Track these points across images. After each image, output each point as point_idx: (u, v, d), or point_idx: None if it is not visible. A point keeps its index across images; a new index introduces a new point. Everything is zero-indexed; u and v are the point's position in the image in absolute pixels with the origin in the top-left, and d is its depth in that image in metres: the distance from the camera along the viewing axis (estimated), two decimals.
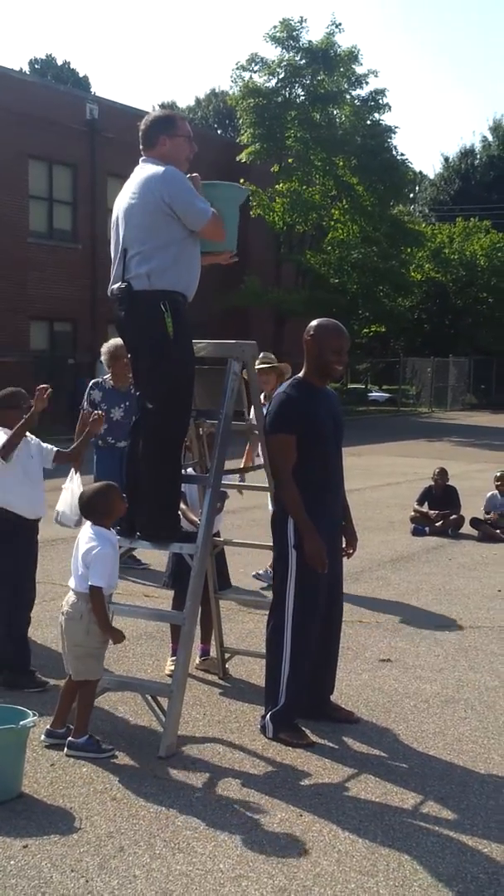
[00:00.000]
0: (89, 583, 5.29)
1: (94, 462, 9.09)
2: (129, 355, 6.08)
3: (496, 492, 12.76)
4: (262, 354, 9.74)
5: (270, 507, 9.62)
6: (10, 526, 6.25)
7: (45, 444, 6.48)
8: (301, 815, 4.66)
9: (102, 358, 9.36)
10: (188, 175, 5.54)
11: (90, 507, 5.50)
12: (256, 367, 9.28)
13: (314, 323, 5.72)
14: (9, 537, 6.25)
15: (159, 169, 5.40)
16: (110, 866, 4.14)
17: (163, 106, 64.14)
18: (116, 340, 9.24)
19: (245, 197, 6.06)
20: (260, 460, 6.59)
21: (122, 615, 6.76)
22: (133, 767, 5.15)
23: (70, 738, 5.31)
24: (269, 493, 6.32)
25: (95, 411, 6.80)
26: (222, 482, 5.95)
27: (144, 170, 5.48)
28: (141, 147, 5.60)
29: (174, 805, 4.72)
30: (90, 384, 9.42)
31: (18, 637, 6.34)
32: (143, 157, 5.59)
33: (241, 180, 26.93)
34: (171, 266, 5.38)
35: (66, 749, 5.29)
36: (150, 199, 5.36)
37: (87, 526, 5.49)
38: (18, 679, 6.22)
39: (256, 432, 6.28)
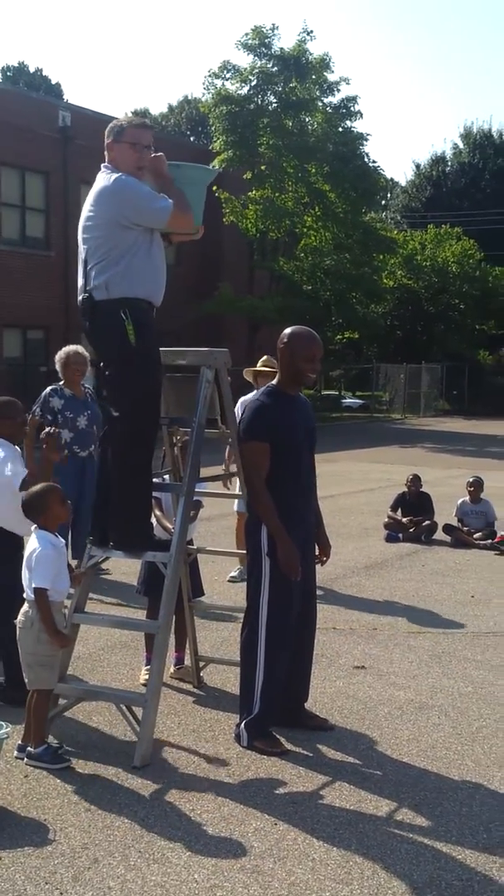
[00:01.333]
0: (32, 585, 5.27)
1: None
2: (89, 363, 6.07)
3: (466, 498, 12.81)
4: (265, 358, 9.79)
5: (235, 508, 9.70)
6: (12, 546, 6.21)
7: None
8: (276, 824, 4.65)
9: (57, 366, 9.25)
10: (153, 155, 5.55)
11: (27, 506, 5.51)
12: (259, 368, 9.34)
13: (288, 331, 5.72)
14: (10, 557, 6.19)
15: (110, 179, 5.42)
16: (85, 878, 4.13)
17: (135, 113, 64.14)
18: (70, 347, 9.21)
19: (213, 177, 6.02)
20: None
21: (95, 624, 6.77)
22: (107, 778, 5.13)
23: (28, 748, 5.29)
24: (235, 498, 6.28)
25: (48, 429, 6.52)
26: (196, 490, 5.94)
27: (98, 180, 5.52)
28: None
29: (149, 815, 4.71)
30: (48, 391, 9.17)
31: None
32: (103, 164, 5.62)
33: (214, 187, 26.91)
34: (128, 274, 5.39)
35: (25, 759, 5.28)
36: (102, 211, 5.41)
37: (32, 533, 5.47)
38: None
39: (230, 440, 6.27)
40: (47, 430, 6.40)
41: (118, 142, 5.54)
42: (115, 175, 5.44)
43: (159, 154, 5.59)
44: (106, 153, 5.59)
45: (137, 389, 5.48)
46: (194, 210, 5.69)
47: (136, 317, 5.38)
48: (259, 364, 9.58)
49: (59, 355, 9.22)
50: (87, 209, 5.51)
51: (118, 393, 5.57)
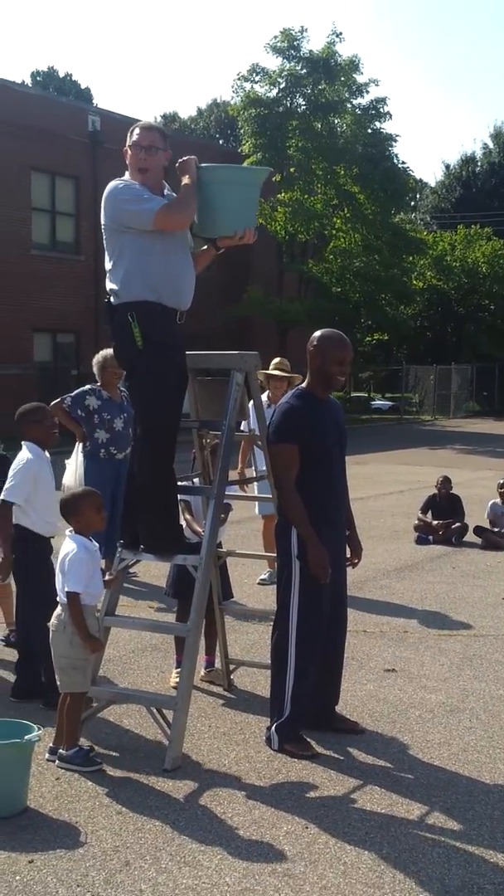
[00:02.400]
0: (65, 589, 5.29)
1: (85, 471, 9.00)
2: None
3: (498, 500, 12.74)
4: (278, 360, 9.75)
5: (258, 511, 9.69)
6: (45, 549, 6.27)
7: None
8: (307, 828, 4.65)
9: (94, 369, 9.30)
10: (184, 158, 5.56)
11: (61, 507, 5.55)
12: (271, 371, 9.33)
13: (317, 334, 5.72)
14: (44, 559, 6.24)
15: (108, 187, 5.50)
16: (116, 881, 4.14)
17: (164, 117, 64.35)
18: (108, 350, 9.23)
19: (263, 177, 5.90)
20: (261, 465, 6.59)
21: (125, 627, 6.78)
22: (138, 781, 5.15)
23: (60, 750, 5.31)
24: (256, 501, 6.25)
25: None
26: (226, 493, 5.95)
27: None
28: None
29: (180, 818, 4.71)
30: (86, 388, 9.19)
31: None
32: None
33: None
34: (130, 278, 5.42)
35: (56, 761, 5.30)
36: (104, 218, 5.50)
37: (66, 536, 5.50)
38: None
39: (259, 443, 6.27)
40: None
41: (126, 147, 5.58)
42: (113, 181, 5.53)
43: (191, 157, 5.60)
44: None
45: (149, 392, 5.50)
46: (236, 212, 5.65)
47: (143, 320, 5.40)
48: (271, 366, 9.56)
49: (97, 358, 9.27)
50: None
51: (137, 398, 5.65)
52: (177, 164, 5.57)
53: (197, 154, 5.74)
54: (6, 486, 6.17)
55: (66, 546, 5.42)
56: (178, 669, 6.60)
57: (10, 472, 6.22)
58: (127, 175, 5.58)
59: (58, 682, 5.42)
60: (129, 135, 5.54)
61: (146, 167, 5.51)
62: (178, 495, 5.95)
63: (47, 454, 6.37)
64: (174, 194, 5.54)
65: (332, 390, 5.83)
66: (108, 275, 5.56)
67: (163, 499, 5.64)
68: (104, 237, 5.56)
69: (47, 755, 5.37)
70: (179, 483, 5.85)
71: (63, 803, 4.86)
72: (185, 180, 5.51)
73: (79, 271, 30.32)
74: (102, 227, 5.54)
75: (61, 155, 29.27)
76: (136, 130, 5.54)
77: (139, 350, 5.41)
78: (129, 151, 5.54)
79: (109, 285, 5.52)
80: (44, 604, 5.81)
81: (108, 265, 5.55)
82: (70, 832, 4.57)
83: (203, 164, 5.63)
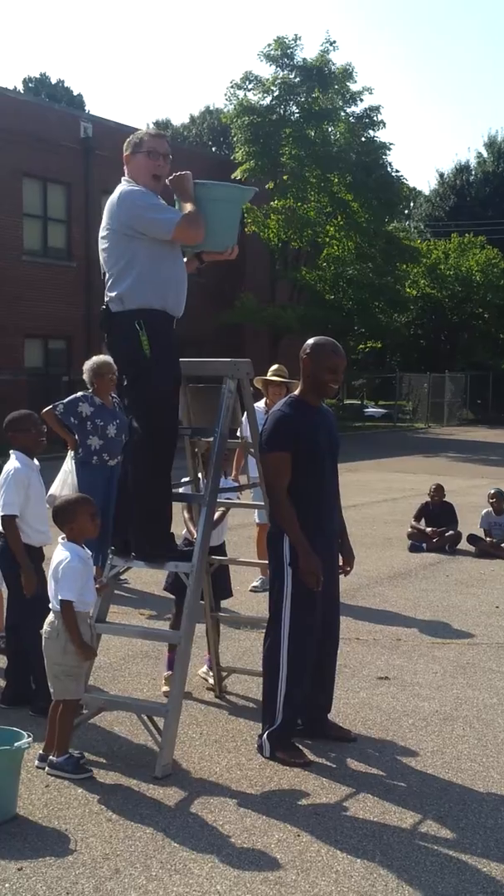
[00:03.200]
0: (59, 597, 5.27)
1: (78, 478, 8.98)
2: (114, 373, 6.09)
3: (490, 509, 12.71)
4: (276, 366, 9.74)
5: (256, 519, 9.68)
6: (36, 559, 6.26)
7: None
8: (298, 835, 4.63)
9: (85, 376, 9.26)
10: (178, 173, 5.57)
11: (55, 514, 5.53)
12: (269, 378, 9.32)
13: (311, 341, 5.71)
14: (37, 567, 6.24)
15: (117, 191, 5.47)
16: (106, 888, 4.11)
17: (157, 124, 64.39)
18: (100, 357, 9.22)
19: (248, 196, 6.01)
20: (254, 472, 6.58)
21: (117, 634, 6.76)
22: (129, 788, 5.12)
23: (50, 757, 5.28)
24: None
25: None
26: (219, 501, 5.93)
27: (114, 192, 5.55)
28: None
29: (170, 826, 4.69)
30: (78, 395, 9.19)
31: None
32: (122, 177, 5.64)
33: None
34: (140, 285, 5.39)
35: (46, 768, 5.27)
36: (112, 223, 5.44)
37: (59, 544, 5.47)
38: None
39: (252, 450, 6.25)
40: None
41: (135, 153, 5.55)
42: (122, 186, 5.48)
43: (186, 172, 5.60)
44: (125, 167, 5.61)
45: (153, 400, 5.48)
46: (226, 229, 5.72)
47: (150, 328, 5.38)
48: (269, 373, 9.55)
49: (89, 364, 9.24)
50: (103, 222, 5.56)
51: (135, 404, 5.58)
52: (170, 179, 5.58)
53: (190, 161, 5.76)
54: (1, 501, 6.14)
55: (59, 554, 5.40)
56: (170, 671, 6.61)
57: (0, 483, 6.19)
58: (125, 180, 5.54)
59: (51, 690, 5.39)
60: (136, 142, 5.54)
61: (161, 174, 5.55)
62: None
63: (36, 462, 6.35)
64: (163, 202, 5.54)
65: (325, 398, 5.82)
66: (109, 280, 5.49)
67: (157, 506, 5.62)
68: (108, 241, 5.48)
69: (37, 762, 5.34)
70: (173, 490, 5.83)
71: (53, 811, 4.83)
72: (185, 199, 5.54)
73: (70, 278, 30.29)
74: (108, 230, 5.47)
75: (53, 161, 29.25)
76: (150, 138, 5.57)
77: (146, 358, 5.38)
78: (142, 158, 5.52)
79: (113, 291, 5.44)
80: (35, 611, 5.78)
81: (110, 269, 5.48)
82: (60, 840, 4.54)
83: (199, 181, 5.66)
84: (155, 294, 5.43)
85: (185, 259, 5.77)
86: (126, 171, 5.61)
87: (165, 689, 6.45)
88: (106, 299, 5.50)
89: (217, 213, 5.62)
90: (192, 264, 5.88)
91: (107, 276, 5.51)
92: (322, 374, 5.60)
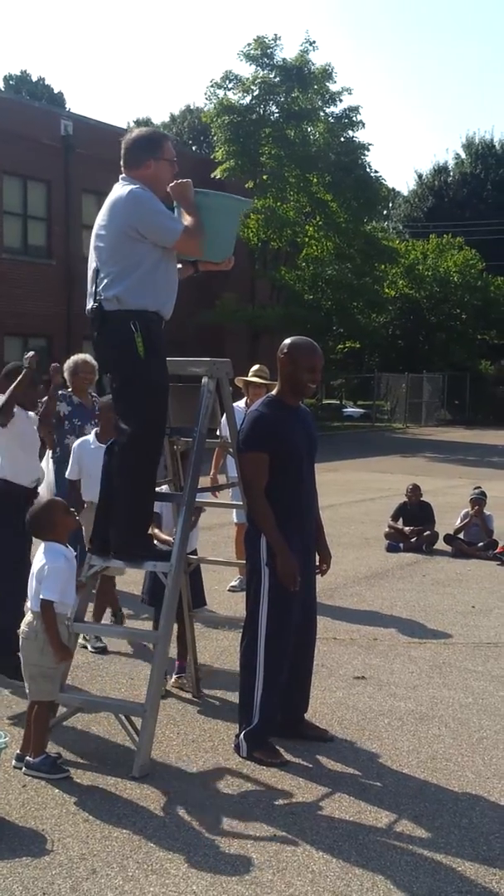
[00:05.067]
0: (40, 597, 5.26)
1: (55, 476, 8.96)
2: (97, 372, 6.08)
3: (469, 510, 12.71)
4: (257, 367, 9.74)
5: (234, 519, 9.69)
6: (14, 499, 6.29)
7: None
8: (275, 835, 4.64)
9: (66, 374, 9.24)
10: (179, 181, 5.57)
11: (34, 524, 5.51)
12: (250, 378, 9.32)
13: (288, 341, 5.72)
14: (13, 511, 6.24)
15: (125, 191, 5.41)
16: (82, 889, 4.11)
17: (137, 122, 64.18)
18: (79, 356, 9.22)
19: (245, 207, 6.05)
20: (233, 472, 6.60)
21: (95, 634, 6.74)
22: (106, 788, 5.12)
23: (27, 758, 5.28)
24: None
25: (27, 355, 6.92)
26: (197, 500, 5.94)
27: (115, 191, 5.49)
28: (122, 164, 5.57)
29: (147, 826, 4.69)
30: (57, 394, 9.19)
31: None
32: (122, 176, 5.56)
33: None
34: (140, 287, 5.37)
35: (23, 768, 5.27)
36: (116, 223, 5.38)
37: (41, 544, 5.47)
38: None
39: (231, 450, 6.26)
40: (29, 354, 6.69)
41: (160, 159, 5.52)
42: (130, 187, 5.42)
43: (187, 180, 5.60)
44: (135, 168, 5.51)
45: (145, 402, 5.47)
46: (224, 240, 5.74)
47: (145, 330, 5.38)
48: (251, 374, 9.55)
49: (68, 363, 9.21)
50: (100, 218, 5.49)
51: (125, 405, 5.56)
52: (171, 186, 5.57)
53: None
54: None
55: (42, 554, 5.37)
56: (178, 675, 6.81)
57: None
58: (128, 180, 5.50)
59: (27, 690, 5.38)
60: (155, 145, 5.53)
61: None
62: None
63: (32, 414, 6.46)
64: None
65: (303, 398, 5.83)
66: (104, 279, 5.42)
67: (140, 505, 5.62)
68: (107, 241, 5.41)
69: (14, 762, 5.33)
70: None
71: (29, 811, 4.83)
72: (188, 208, 5.55)
73: (50, 275, 30.18)
74: (109, 229, 5.40)
75: (33, 159, 29.12)
76: (167, 143, 5.60)
77: (141, 359, 5.38)
78: (167, 167, 5.54)
79: (109, 291, 5.38)
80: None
81: (107, 268, 5.41)
82: (36, 840, 4.54)
83: (198, 189, 5.67)
84: (152, 298, 5.44)
85: (179, 266, 5.78)
86: (136, 173, 5.50)
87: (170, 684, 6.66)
88: (98, 297, 5.44)
89: (215, 224, 5.63)
90: (186, 271, 5.89)
91: (100, 274, 5.44)
92: (300, 374, 5.61)
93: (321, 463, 5.88)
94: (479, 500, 12.68)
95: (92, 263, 5.52)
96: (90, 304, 5.50)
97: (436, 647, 8.02)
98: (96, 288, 5.45)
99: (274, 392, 5.80)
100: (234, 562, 8.54)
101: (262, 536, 5.51)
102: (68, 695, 5.74)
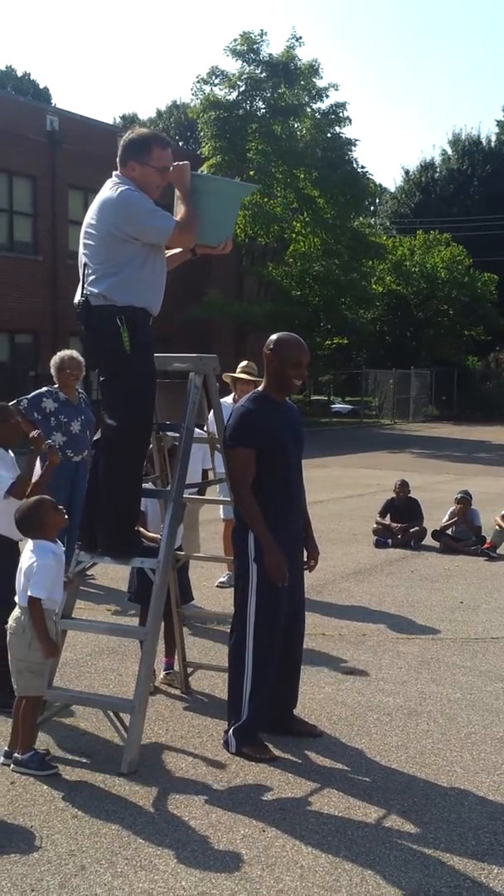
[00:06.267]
0: (28, 593, 5.24)
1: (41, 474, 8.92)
2: (84, 368, 6.03)
3: (455, 508, 12.70)
4: (245, 363, 9.72)
5: (222, 515, 9.68)
6: (13, 552, 6.17)
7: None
8: (264, 831, 4.64)
9: (52, 370, 9.23)
10: (177, 163, 5.53)
11: (23, 523, 5.48)
12: (238, 374, 9.31)
13: (274, 337, 5.71)
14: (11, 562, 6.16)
15: (115, 192, 5.38)
16: (71, 885, 4.10)
17: (123, 118, 64.09)
18: (66, 352, 9.21)
19: (247, 193, 6.04)
20: (221, 468, 6.58)
21: (83, 630, 6.73)
22: (94, 784, 5.11)
23: (15, 754, 5.26)
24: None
25: (48, 441, 6.57)
26: (185, 496, 5.93)
27: (106, 189, 5.47)
28: (117, 160, 5.57)
29: (136, 822, 4.68)
30: (42, 390, 9.13)
31: None
32: (115, 172, 5.55)
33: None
34: (127, 284, 5.36)
35: (11, 765, 5.26)
36: (105, 224, 5.37)
37: (29, 541, 5.45)
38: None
39: (218, 446, 6.26)
40: (35, 431, 6.41)
41: (145, 164, 5.46)
42: (121, 188, 5.39)
43: (184, 162, 5.58)
44: (122, 167, 5.49)
45: (131, 397, 5.46)
46: (220, 224, 5.70)
47: (132, 325, 5.36)
48: (238, 369, 9.54)
49: (54, 359, 9.20)
50: (90, 215, 5.47)
51: (112, 399, 5.54)
52: (170, 169, 5.54)
53: None
54: None
55: (30, 551, 5.36)
56: (166, 672, 6.77)
57: None
58: (119, 178, 5.47)
59: (14, 686, 5.37)
60: (144, 148, 5.45)
61: (163, 185, 5.56)
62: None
63: (11, 454, 6.31)
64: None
65: (289, 394, 5.82)
66: (92, 276, 5.40)
67: (127, 502, 5.61)
68: (96, 240, 5.39)
69: (2, 759, 5.32)
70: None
71: (18, 807, 4.81)
72: (183, 194, 5.52)
73: (36, 271, 30.12)
74: (98, 229, 5.38)
75: (19, 154, 29.05)
76: (159, 149, 5.49)
77: (127, 354, 5.37)
78: (153, 174, 5.47)
79: (95, 287, 5.37)
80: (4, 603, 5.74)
81: (95, 266, 5.39)
82: (25, 836, 4.52)
83: (196, 173, 5.64)
84: (141, 294, 5.42)
85: (178, 250, 5.76)
86: (124, 172, 5.48)
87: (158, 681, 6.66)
88: (85, 292, 5.43)
89: (212, 207, 5.59)
90: (184, 255, 5.84)
91: (88, 269, 5.43)
92: (285, 370, 5.61)
93: (309, 459, 5.88)
94: (463, 499, 12.68)
95: (81, 258, 5.51)
96: (78, 296, 5.49)
97: (424, 642, 8.03)
98: (84, 282, 5.45)
99: (260, 388, 5.79)
100: (221, 557, 8.53)
101: (250, 532, 5.50)
102: (56, 691, 5.74)
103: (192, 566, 7.17)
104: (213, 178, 5.84)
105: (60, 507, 5.59)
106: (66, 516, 5.69)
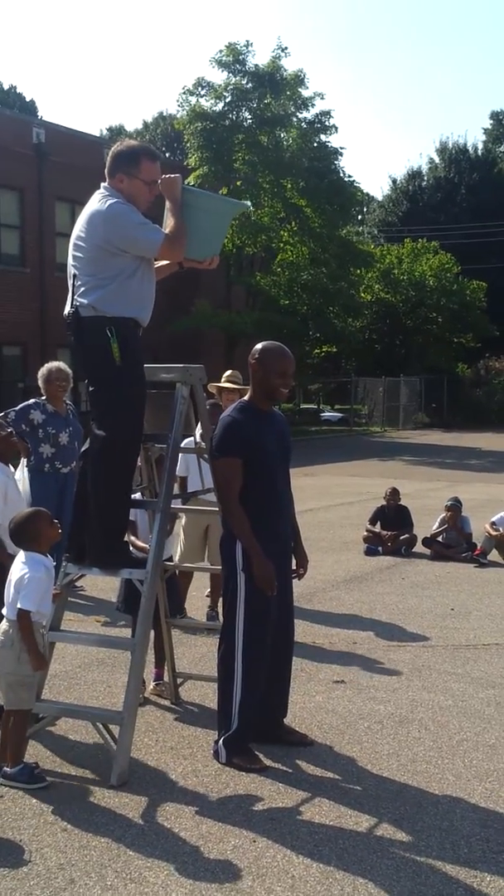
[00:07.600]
0: (17, 606, 5.22)
1: (30, 486, 8.93)
2: (72, 380, 6.02)
3: (445, 515, 12.70)
4: (230, 372, 9.71)
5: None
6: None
7: None
8: (255, 841, 4.62)
9: (39, 381, 9.22)
10: (167, 176, 5.55)
11: (17, 534, 5.46)
12: (223, 384, 9.30)
13: (259, 346, 5.71)
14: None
15: (103, 206, 5.37)
16: None
17: (110, 130, 64.18)
18: (53, 364, 9.22)
19: (238, 211, 6.03)
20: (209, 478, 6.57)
21: (72, 643, 6.72)
22: (84, 797, 5.08)
23: (4, 768, 5.23)
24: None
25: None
26: (173, 506, 5.91)
27: (93, 200, 5.47)
28: (105, 171, 5.56)
29: (126, 834, 4.66)
30: (30, 402, 9.13)
31: None
32: (103, 184, 5.54)
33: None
34: (116, 296, 5.36)
35: (0, 778, 5.22)
36: (94, 238, 5.37)
37: (21, 552, 5.43)
38: None
39: (206, 456, 6.24)
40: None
41: (133, 177, 5.45)
42: (110, 200, 5.38)
43: (176, 175, 5.58)
44: (111, 178, 5.49)
45: (120, 408, 5.45)
46: (208, 240, 5.70)
47: (121, 336, 5.36)
48: (223, 379, 9.53)
49: (42, 371, 9.19)
50: (79, 227, 5.47)
51: (101, 411, 5.53)
52: (160, 181, 5.54)
53: None
54: None
55: (21, 563, 5.33)
56: (156, 682, 6.77)
57: None
58: (108, 190, 5.46)
59: (3, 700, 5.34)
60: (131, 162, 5.44)
61: (152, 199, 5.57)
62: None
63: (12, 468, 6.29)
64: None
65: (275, 403, 5.82)
66: (81, 287, 5.39)
67: (116, 512, 5.60)
68: (85, 253, 5.39)
69: None
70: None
71: (7, 821, 4.79)
72: (173, 206, 5.52)
73: (24, 284, 30.10)
74: (87, 242, 5.37)
75: (6, 167, 29.04)
76: (148, 163, 5.49)
77: (117, 365, 5.36)
78: (142, 187, 5.46)
79: (85, 298, 5.37)
80: None
81: (84, 278, 5.39)
82: (14, 850, 4.50)
83: (188, 187, 5.65)
84: (130, 305, 5.43)
85: (165, 262, 5.76)
86: (111, 182, 5.48)
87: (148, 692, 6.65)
88: (75, 303, 5.43)
89: (200, 222, 5.61)
90: (171, 267, 5.85)
91: (78, 281, 5.43)
92: (271, 379, 5.60)
93: (299, 467, 5.88)
94: (453, 506, 12.68)
95: (70, 270, 5.51)
96: (68, 308, 5.49)
97: (415, 649, 8.02)
98: (74, 293, 5.44)
99: (246, 397, 5.78)
100: (210, 568, 8.51)
101: (238, 542, 5.49)
102: (46, 703, 5.71)
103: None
104: (205, 193, 5.84)
105: (56, 521, 5.57)
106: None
